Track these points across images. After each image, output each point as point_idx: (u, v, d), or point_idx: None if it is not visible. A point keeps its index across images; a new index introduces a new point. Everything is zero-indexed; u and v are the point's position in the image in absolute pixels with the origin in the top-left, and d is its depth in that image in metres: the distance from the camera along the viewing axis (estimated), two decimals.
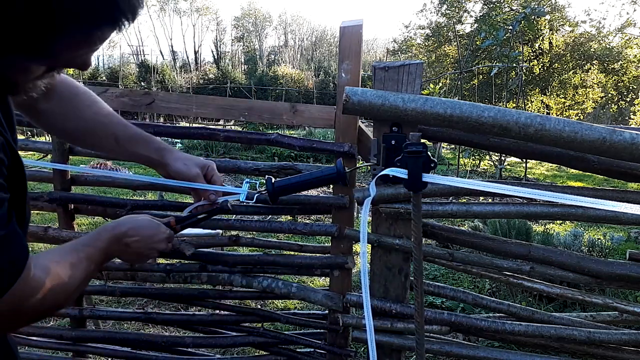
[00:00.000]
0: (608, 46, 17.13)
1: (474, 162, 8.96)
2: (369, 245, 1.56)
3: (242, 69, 30.83)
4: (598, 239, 4.69)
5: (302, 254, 1.85)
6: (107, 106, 1.14)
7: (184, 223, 1.20)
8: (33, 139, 4.98)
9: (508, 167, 10.40)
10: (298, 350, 1.94)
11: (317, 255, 1.84)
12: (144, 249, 1.05)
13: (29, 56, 0.67)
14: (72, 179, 1.90)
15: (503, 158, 8.07)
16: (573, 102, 16.12)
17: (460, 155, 7.85)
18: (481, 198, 5.12)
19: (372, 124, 1.47)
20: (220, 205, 1.23)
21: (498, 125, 1.25)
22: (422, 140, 1.17)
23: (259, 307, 3.02)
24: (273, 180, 1.24)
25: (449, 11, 18.43)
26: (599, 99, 17.21)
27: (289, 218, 4.51)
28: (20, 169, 0.78)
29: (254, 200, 1.27)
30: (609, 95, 17.76)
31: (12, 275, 0.70)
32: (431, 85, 7.76)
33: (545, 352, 1.71)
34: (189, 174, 1.13)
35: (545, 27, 15.61)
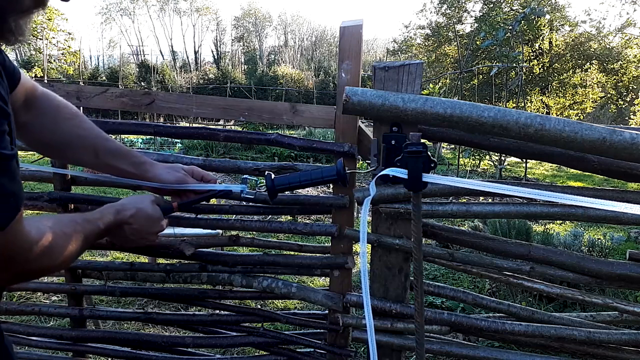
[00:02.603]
0: (608, 46, 17.14)
1: (474, 162, 8.97)
2: (369, 245, 1.56)
3: (242, 69, 30.82)
4: (598, 239, 4.69)
5: (302, 254, 1.85)
6: (89, 120, 1.13)
7: (184, 203, 1.20)
8: None
9: (508, 167, 10.40)
10: (298, 350, 1.94)
11: (317, 255, 1.84)
12: (137, 237, 1.06)
13: None
14: (72, 179, 1.90)
15: (503, 158, 8.07)
16: (573, 102, 16.12)
17: (460, 155, 7.86)
18: (481, 198, 5.12)
19: (372, 124, 1.47)
20: (224, 190, 1.24)
21: (498, 125, 1.25)
22: (422, 140, 1.16)
23: (259, 307, 3.02)
24: (273, 176, 1.24)
25: (449, 11, 18.44)
26: (599, 99, 17.22)
27: (289, 218, 4.51)
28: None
29: (254, 197, 1.28)
30: (609, 95, 17.77)
31: (11, 209, 0.69)
32: (431, 85, 7.76)
33: (545, 352, 1.71)
34: (178, 179, 1.14)
35: (545, 27, 15.61)
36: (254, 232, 1.87)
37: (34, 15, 0.75)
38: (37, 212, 1.75)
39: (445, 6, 18.29)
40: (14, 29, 0.73)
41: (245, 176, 1.26)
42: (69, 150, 1.10)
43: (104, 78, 24.14)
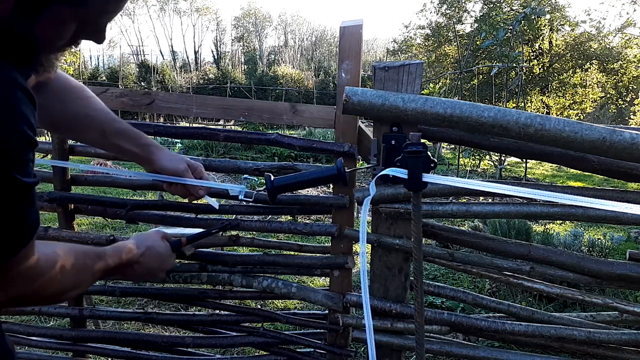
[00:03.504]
0: (608, 46, 17.14)
1: (474, 162, 8.97)
2: (369, 245, 1.56)
3: (242, 69, 30.82)
4: (598, 239, 4.69)
5: (302, 254, 1.85)
6: (101, 102, 1.15)
7: (193, 239, 1.22)
8: None
9: (508, 167, 10.40)
10: (298, 350, 1.94)
11: (317, 255, 1.84)
12: (147, 274, 1.09)
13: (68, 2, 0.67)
14: (72, 179, 1.90)
15: (503, 158, 8.07)
16: (573, 102, 16.13)
17: (460, 155, 7.86)
18: (481, 198, 5.12)
19: (372, 124, 1.47)
20: (231, 222, 1.27)
21: (498, 125, 1.25)
22: (422, 140, 1.17)
23: (259, 307, 3.02)
24: (272, 177, 1.24)
25: (449, 11, 18.44)
26: (599, 99, 17.22)
27: (289, 218, 4.51)
28: None
29: (252, 198, 1.28)
30: (609, 95, 17.77)
31: (24, 237, 0.70)
32: (431, 85, 7.76)
33: (545, 352, 1.71)
34: (176, 170, 1.15)
35: (545, 27, 15.62)
36: (254, 232, 1.87)
37: (65, 52, 0.77)
38: None
39: (445, 6, 18.28)
40: (44, 63, 0.75)
41: (245, 176, 1.27)
42: (77, 128, 1.12)
43: (104, 78, 24.13)
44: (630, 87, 17.48)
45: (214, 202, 1.33)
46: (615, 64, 16.89)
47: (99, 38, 0.77)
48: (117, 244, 1.04)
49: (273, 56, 36.76)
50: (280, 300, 3.29)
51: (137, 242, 1.07)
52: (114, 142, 1.13)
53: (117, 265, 1.00)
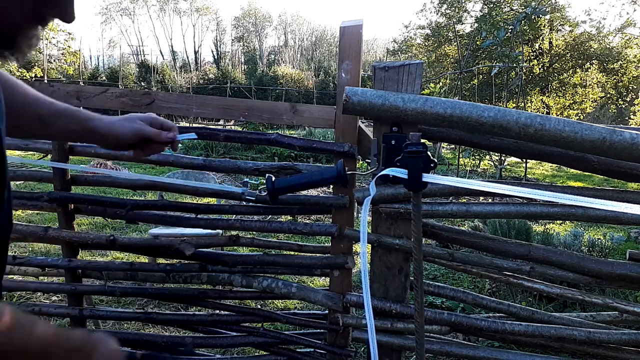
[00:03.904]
0: (608, 46, 17.13)
1: (474, 162, 8.96)
2: (369, 245, 1.56)
3: (242, 69, 30.82)
4: (598, 239, 4.69)
5: (302, 254, 1.85)
6: (35, 91, 1.02)
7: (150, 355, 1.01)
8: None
9: (508, 167, 10.40)
10: (298, 350, 1.94)
11: (317, 255, 1.84)
12: None
13: None
14: (72, 179, 1.90)
15: (503, 158, 8.07)
16: (573, 102, 16.13)
17: (460, 155, 7.85)
18: (481, 198, 5.12)
19: (372, 124, 1.47)
20: None
21: (498, 125, 1.25)
22: (422, 140, 1.16)
23: (259, 307, 3.02)
24: (273, 179, 1.24)
25: (449, 11, 18.43)
26: (599, 99, 17.22)
27: (289, 218, 4.51)
28: (1, 163, 0.69)
29: (255, 198, 1.27)
30: (609, 95, 17.76)
31: None
32: (431, 85, 7.76)
33: (545, 352, 1.71)
34: (130, 131, 1.01)
35: (545, 27, 15.61)
36: (254, 232, 1.87)
37: (32, 33, 0.70)
38: (37, 212, 1.75)
39: (445, 6, 18.27)
40: (27, 39, 0.69)
41: (245, 180, 1.26)
42: (18, 121, 0.98)
43: (104, 78, 24.13)
44: (630, 87, 17.47)
45: (191, 135, 1.20)
46: (615, 64, 16.89)
47: (66, 14, 0.70)
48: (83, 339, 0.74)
49: (273, 56, 36.75)
50: (280, 300, 3.29)
51: (98, 345, 0.75)
52: (54, 126, 0.99)
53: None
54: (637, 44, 16.92)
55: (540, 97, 15.89)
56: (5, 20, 0.65)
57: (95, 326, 2.43)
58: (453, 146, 11.83)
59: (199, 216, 1.84)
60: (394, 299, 1.60)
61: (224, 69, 28.70)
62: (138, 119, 1.03)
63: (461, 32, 16.85)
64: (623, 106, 18.46)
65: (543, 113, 5.26)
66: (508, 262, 1.57)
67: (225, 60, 35.18)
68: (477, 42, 12.39)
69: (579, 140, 1.22)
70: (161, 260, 2.12)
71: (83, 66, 24.17)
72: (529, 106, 14.53)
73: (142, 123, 1.02)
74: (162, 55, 37.24)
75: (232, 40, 39.77)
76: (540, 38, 16.10)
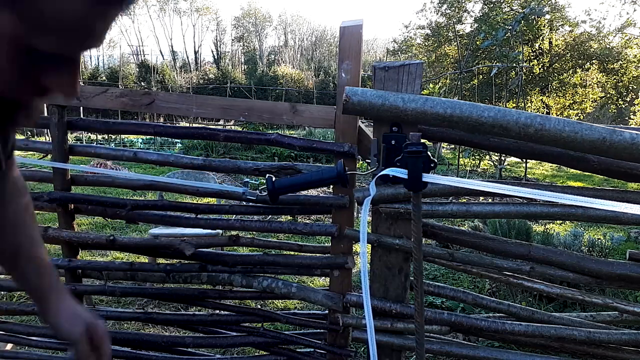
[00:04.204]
0: (608, 46, 17.13)
1: (474, 162, 8.96)
2: (369, 245, 1.56)
3: (242, 69, 30.83)
4: (598, 239, 4.69)
5: (302, 254, 1.85)
6: (34, 213, 0.95)
7: None
8: (33, 139, 4.97)
9: (508, 167, 10.40)
10: (298, 350, 1.94)
11: (317, 255, 1.84)
12: None
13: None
14: (72, 179, 1.90)
15: (503, 158, 8.07)
16: (573, 102, 16.13)
17: (460, 155, 7.86)
18: (481, 198, 5.12)
19: (372, 124, 1.47)
20: None
21: (498, 125, 1.25)
22: (422, 140, 1.17)
23: (259, 307, 3.02)
24: (273, 179, 1.24)
25: (449, 11, 18.44)
26: (599, 99, 17.22)
27: (289, 218, 4.51)
28: None
29: (255, 198, 1.27)
30: (609, 95, 17.77)
31: None
32: (431, 85, 7.76)
33: (545, 352, 1.71)
34: (69, 334, 0.94)
35: (545, 27, 15.62)
36: (254, 232, 1.87)
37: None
38: (38, 211, 1.75)
39: (445, 6, 18.28)
40: (34, 106, 0.62)
41: (246, 180, 1.26)
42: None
43: (104, 78, 24.13)
44: (630, 87, 17.47)
45: None
46: (615, 64, 16.89)
47: (68, 89, 0.60)
48: None
49: (273, 56, 36.77)
50: (280, 300, 3.29)
51: None
52: (21, 266, 0.91)
53: None
54: (637, 44, 16.92)
55: (540, 97, 15.90)
56: None
57: None
58: (453, 146, 11.83)
59: (199, 216, 1.84)
60: (394, 299, 1.60)
61: (224, 69, 28.72)
62: (86, 324, 0.95)
63: (461, 32, 16.86)
64: (623, 106, 18.46)
65: (543, 113, 5.26)
66: (508, 262, 1.57)
67: (225, 60, 35.19)
68: (477, 42, 12.39)
69: (579, 140, 1.22)
70: (161, 260, 2.12)
71: (83, 66, 24.17)
72: (529, 106, 14.54)
73: (83, 332, 0.95)
74: (162, 55, 37.25)
75: (232, 40, 39.78)
76: (540, 38, 16.12)
